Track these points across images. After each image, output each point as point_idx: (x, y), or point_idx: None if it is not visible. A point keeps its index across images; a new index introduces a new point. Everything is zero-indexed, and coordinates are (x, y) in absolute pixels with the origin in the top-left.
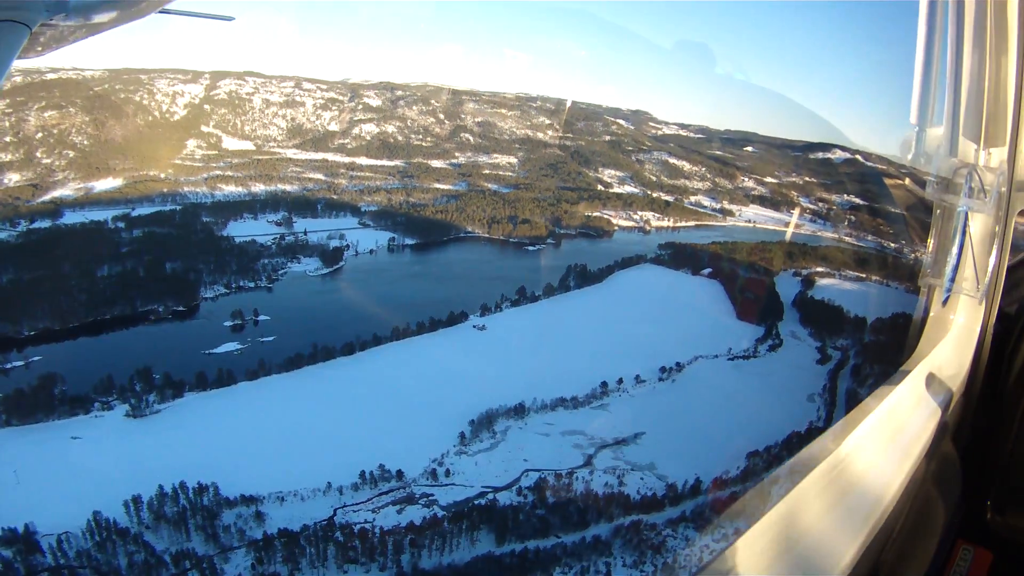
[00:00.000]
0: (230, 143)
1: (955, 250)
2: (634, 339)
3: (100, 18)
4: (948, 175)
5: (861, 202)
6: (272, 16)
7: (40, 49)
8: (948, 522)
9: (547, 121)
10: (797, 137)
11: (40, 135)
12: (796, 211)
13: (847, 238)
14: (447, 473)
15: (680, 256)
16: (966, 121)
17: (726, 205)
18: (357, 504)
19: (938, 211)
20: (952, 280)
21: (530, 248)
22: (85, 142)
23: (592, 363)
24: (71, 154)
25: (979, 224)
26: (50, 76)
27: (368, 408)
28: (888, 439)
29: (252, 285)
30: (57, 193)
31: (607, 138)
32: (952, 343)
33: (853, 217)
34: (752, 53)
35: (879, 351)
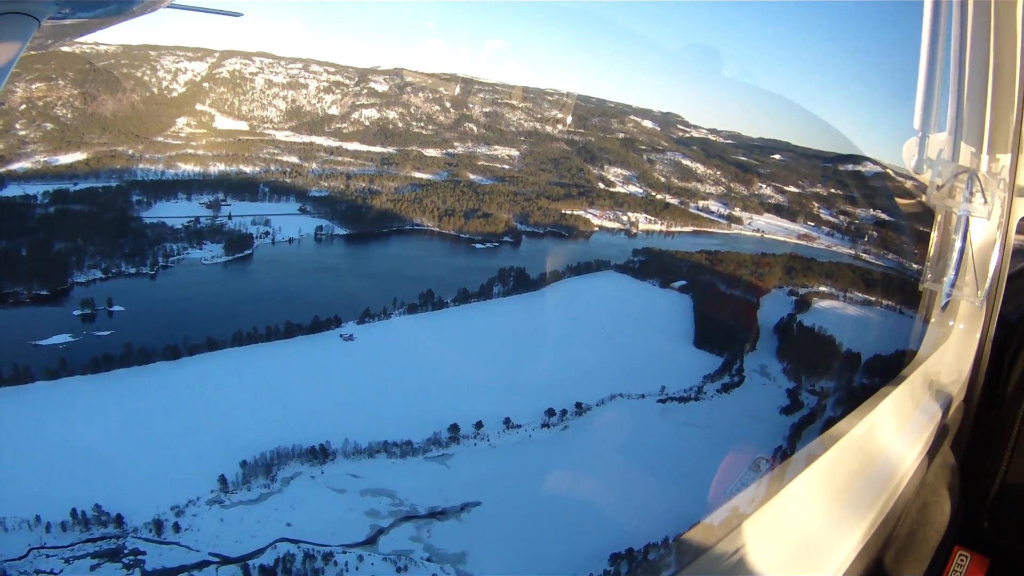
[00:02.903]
0: (223, 122)
1: (955, 255)
2: (540, 366)
3: (107, 12)
4: (950, 180)
5: (887, 218)
6: (301, 5)
7: (49, 42)
8: (946, 527)
9: (559, 115)
10: (824, 147)
11: (23, 107)
12: (800, 219)
13: (864, 255)
14: (176, 528)
15: (653, 264)
16: (969, 127)
17: (736, 212)
18: (57, 548)
19: (939, 216)
20: (952, 285)
21: (479, 246)
22: (69, 115)
23: (462, 396)
24: (49, 126)
25: (980, 230)
26: (65, 49)
27: (138, 429)
28: (886, 443)
29: (133, 271)
30: (18, 165)
31: (621, 136)
32: (952, 348)
33: (875, 233)
34: (759, 58)
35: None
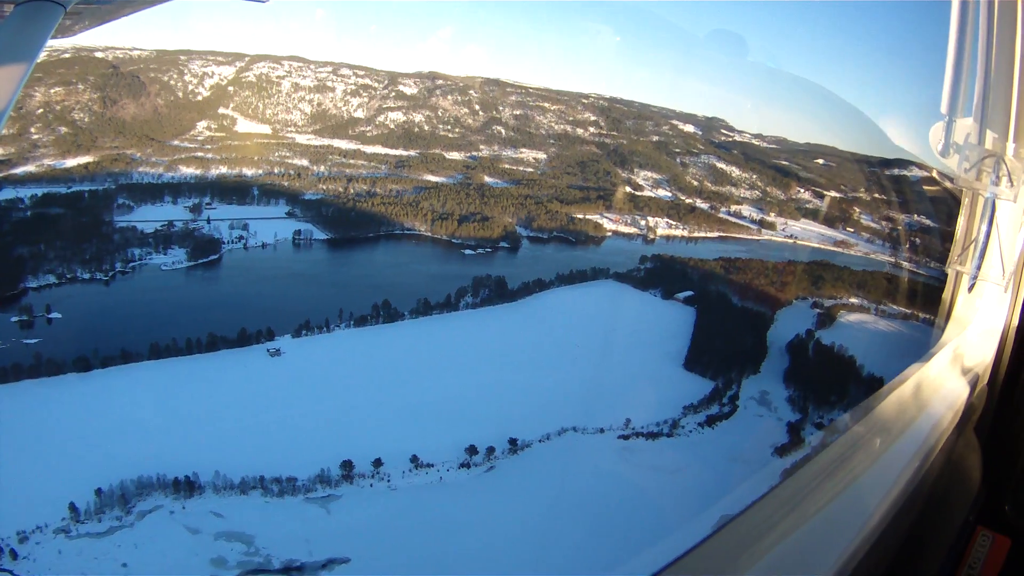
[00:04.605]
0: (245, 125)
1: (982, 238)
2: (483, 392)
3: None
4: (976, 163)
5: (931, 223)
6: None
7: (75, 28)
8: (969, 508)
9: (592, 117)
10: (872, 151)
11: (40, 111)
12: (839, 225)
13: (904, 263)
14: (13, 555)
15: (660, 273)
16: (996, 112)
17: (770, 217)
18: None
19: (966, 199)
20: (979, 268)
21: (468, 252)
22: (86, 119)
23: (378, 425)
24: (63, 130)
25: (1007, 213)
26: (98, 55)
27: (16, 446)
28: (911, 423)
29: (88, 277)
30: (22, 169)
31: (655, 139)
32: (977, 330)
33: (918, 239)
34: (812, 56)
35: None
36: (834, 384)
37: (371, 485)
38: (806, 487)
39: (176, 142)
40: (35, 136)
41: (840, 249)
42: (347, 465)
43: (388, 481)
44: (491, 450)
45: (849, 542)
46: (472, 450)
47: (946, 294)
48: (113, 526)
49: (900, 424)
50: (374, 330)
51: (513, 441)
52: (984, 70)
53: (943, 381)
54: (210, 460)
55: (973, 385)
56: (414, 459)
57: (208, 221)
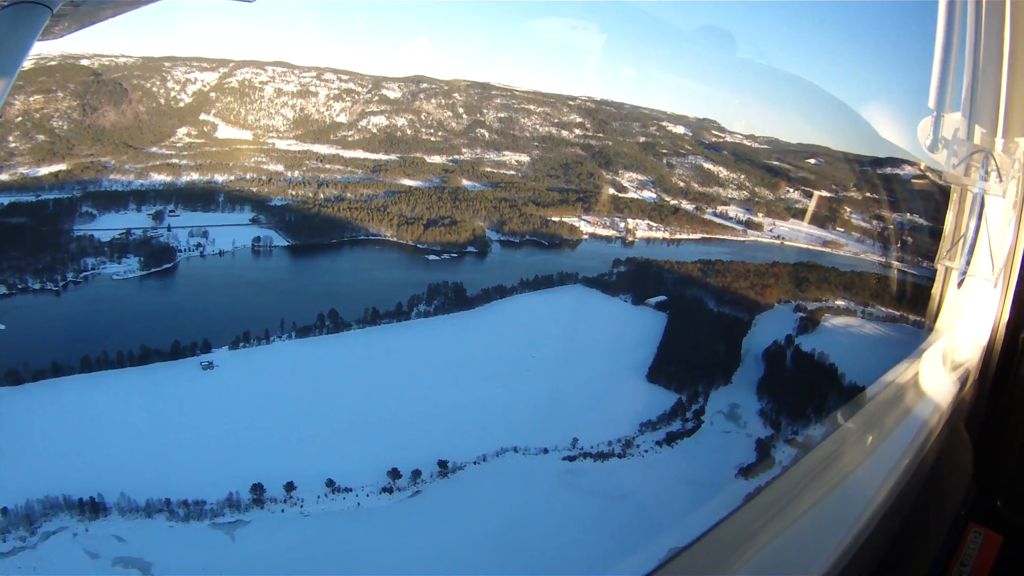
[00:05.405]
0: (226, 132)
1: (971, 234)
2: (418, 409)
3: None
4: (965, 159)
5: (923, 222)
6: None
7: (61, 30)
8: (960, 504)
9: (578, 119)
10: (865, 151)
11: (19, 119)
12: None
13: (894, 262)
14: None
15: (633, 277)
16: (985, 107)
17: (757, 218)
18: None
19: (955, 194)
20: (968, 263)
21: (432, 257)
22: (65, 127)
23: (301, 444)
24: (41, 138)
25: (996, 209)
26: (84, 62)
27: None
28: (901, 418)
29: (38, 287)
30: None
31: (641, 140)
32: (967, 326)
33: (908, 238)
34: (802, 54)
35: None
36: (811, 395)
37: (282, 511)
38: (798, 485)
39: (154, 149)
40: (12, 145)
41: (828, 249)
42: (257, 488)
43: (301, 506)
44: (417, 473)
45: (841, 539)
46: (395, 473)
47: (935, 290)
48: (16, 547)
49: (891, 421)
50: (316, 341)
51: (443, 463)
52: (972, 65)
53: (933, 377)
54: (121, 480)
55: (963, 381)
56: (330, 483)
57: (168, 229)
